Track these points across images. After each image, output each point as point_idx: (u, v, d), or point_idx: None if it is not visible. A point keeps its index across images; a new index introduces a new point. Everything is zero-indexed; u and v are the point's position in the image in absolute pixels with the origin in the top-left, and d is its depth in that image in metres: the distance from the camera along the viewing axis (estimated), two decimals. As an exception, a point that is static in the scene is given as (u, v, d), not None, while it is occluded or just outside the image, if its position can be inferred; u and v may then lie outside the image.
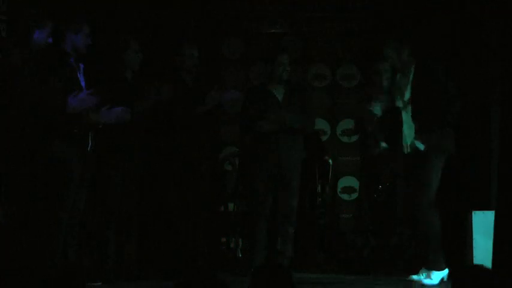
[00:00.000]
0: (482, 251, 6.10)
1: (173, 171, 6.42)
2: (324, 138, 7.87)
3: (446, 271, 5.76)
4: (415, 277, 5.80)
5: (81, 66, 5.64)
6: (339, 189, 7.80)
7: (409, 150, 5.86)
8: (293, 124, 6.40)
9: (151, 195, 6.71)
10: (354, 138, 7.86)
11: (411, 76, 5.86)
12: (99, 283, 5.83)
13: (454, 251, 6.28)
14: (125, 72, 6.23)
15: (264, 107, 6.48)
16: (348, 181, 7.87)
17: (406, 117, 5.87)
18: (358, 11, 7.91)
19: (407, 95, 5.86)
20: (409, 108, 5.85)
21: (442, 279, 5.75)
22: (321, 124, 7.83)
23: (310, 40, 7.99)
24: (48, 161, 5.25)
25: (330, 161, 7.58)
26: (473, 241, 6.34)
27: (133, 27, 6.78)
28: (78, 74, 5.60)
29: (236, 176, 7.48)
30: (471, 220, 6.41)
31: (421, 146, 5.75)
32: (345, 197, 7.86)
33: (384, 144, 6.53)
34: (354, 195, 7.84)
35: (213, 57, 7.69)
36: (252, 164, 6.65)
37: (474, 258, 6.30)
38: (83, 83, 5.59)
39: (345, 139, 7.92)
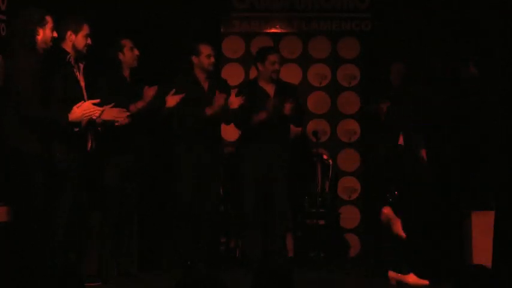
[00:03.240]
0: (482, 251, 6.10)
1: (174, 171, 6.42)
2: (324, 138, 7.85)
3: None
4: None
5: (81, 65, 5.64)
6: (338, 189, 7.79)
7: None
8: (283, 111, 6.40)
9: (151, 195, 6.71)
10: (354, 138, 7.85)
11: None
12: (99, 283, 5.84)
13: (454, 251, 6.28)
14: (123, 71, 6.23)
15: (254, 102, 6.50)
16: (348, 181, 7.86)
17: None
18: (358, 11, 7.91)
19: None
20: None
21: None
22: (321, 124, 7.82)
23: (310, 40, 7.98)
24: (48, 161, 5.24)
25: (330, 161, 7.58)
26: (473, 241, 6.34)
27: (133, 27, 6.77)
28: (78, 74, 5.60)
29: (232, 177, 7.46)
30: (471, 220, 6.41)
31: None
32: (345, 197, 7.85)
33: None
34: (354, 195, 7.83)
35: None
36: (241, 165, 6.66)
37: (474, 258, 6.30)
38: (82, 83, 5.59)
39: (345, 139, 7.91)
